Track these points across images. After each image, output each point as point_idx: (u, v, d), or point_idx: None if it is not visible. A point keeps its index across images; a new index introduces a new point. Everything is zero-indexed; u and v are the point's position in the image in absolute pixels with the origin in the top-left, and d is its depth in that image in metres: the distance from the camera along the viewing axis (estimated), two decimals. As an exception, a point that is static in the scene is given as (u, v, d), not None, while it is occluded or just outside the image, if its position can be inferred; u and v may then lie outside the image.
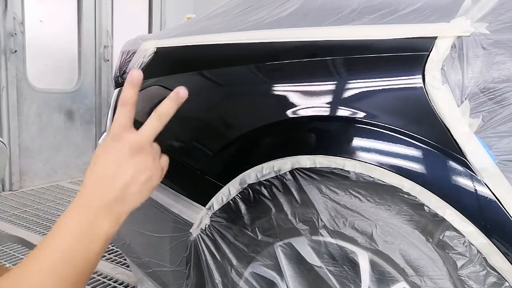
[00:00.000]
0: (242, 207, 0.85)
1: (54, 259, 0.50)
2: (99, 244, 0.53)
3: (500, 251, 0.60)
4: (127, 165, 0.55)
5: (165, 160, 0.63)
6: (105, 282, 1.71)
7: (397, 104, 0.70)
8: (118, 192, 0.54)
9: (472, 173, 0.61)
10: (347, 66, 0.77)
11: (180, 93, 0.62)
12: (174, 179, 1.02)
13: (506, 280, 0.60)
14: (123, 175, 0.55)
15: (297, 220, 0.77)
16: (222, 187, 0.87)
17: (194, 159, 0.97)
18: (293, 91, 0.81)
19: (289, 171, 0.77)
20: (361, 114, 0.72)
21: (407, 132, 0.67)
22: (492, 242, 0.60)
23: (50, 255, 0.50)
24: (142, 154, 0.57)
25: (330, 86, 0.78)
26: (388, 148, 0.69)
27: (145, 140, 0.58)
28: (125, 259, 1.89)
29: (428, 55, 0.66)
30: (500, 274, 0.60)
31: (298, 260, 0.80)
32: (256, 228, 0.83)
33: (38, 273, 0.49)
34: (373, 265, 0.71)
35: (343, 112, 0.74)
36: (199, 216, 0.92)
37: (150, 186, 0.58)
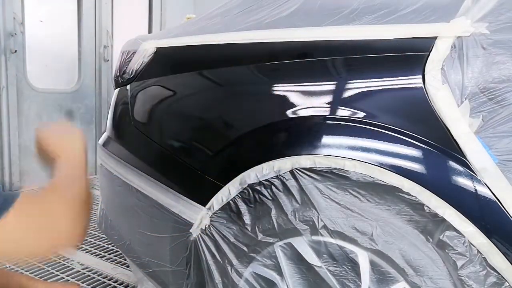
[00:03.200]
0: (242, 207, 0.85)
1: None
2: None
3: (500, 251, 0.60)
4: None
5: None
6: (105, 282, 1.71)
7: (397, 104, 0.70)
8: None
9: (472, 173, 0.61)
10: (347, 66, 0.77)
11: None
12: (174, 179, 1.01)
13: (506, 280, 0.60)
14: None
15: (297, 220, 0.77)
16: (222, 187, 0.87)
17: (194, 159, 0.96)
18: (293, 91, 0.81)
19: (289, 171, 0.77)
20: (361, 114, 0.72)
21: (407, 132, 0.67)
22: (492, 242, 0.60)
23: None
24: None
25: (330, 86, 0.78)
26: (388, 148, 0.69)
27: None
28: (125, 259, 1.89)
29: (428, 55, 0.66)
30: (500, 274, 0.60)
31: (298, 260, 0.80)
32: (256, 228, 0.83)
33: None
34: (373, 265, 0.71)
35: (343, 112, 0.74)
36: (199, 216, 0.92)
37: None
